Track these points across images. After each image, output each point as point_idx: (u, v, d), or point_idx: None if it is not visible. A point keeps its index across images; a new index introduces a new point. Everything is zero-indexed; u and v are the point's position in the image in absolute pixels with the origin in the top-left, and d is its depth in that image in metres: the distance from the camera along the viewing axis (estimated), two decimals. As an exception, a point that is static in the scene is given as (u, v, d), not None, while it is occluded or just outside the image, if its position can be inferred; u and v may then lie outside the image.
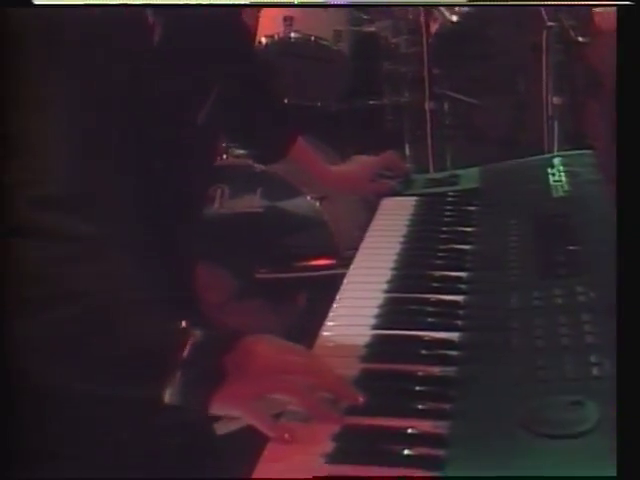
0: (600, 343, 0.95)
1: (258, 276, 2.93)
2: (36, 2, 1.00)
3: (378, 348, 1.03)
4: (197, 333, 0.93)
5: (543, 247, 1.25)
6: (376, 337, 1.05)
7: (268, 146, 1.56)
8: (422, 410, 0.88)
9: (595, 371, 0.91)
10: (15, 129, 0.96)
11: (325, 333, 1.07)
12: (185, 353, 0.91)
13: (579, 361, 0.93)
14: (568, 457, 0.79)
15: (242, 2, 1.20)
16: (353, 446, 0.84)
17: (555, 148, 2.95)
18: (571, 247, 1.21)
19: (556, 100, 3.01)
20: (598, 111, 2.79)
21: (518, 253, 1.25)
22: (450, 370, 0.96)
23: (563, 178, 1.49)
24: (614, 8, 1.13)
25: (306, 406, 0.90)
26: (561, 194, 1.43)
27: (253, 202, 3.06)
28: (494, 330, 1.04)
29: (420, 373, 0.96)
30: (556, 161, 1.58)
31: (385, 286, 1.19)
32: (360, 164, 1.63)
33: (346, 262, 1.45)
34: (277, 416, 0.90)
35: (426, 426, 0.86)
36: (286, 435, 0.87)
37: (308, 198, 2.86)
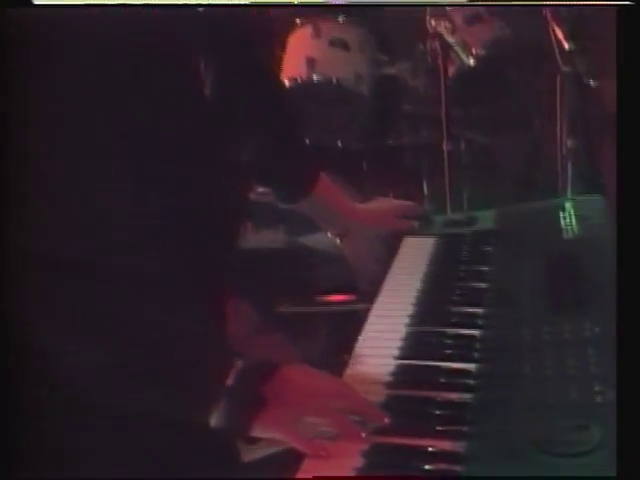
0: (603, 374, 1.04)
1: (279, 310, 3.03)
2: (36, 2, 0.98)
3: (402, 376, 1.13)
4: (239, 362, 1.03)
5: (553, 286, 1.34)
6: (400, 366, 1.15)
7: (292, 184, 1.61)
8: (441, 431, 0.98)
9: (598, 399, 1.01)
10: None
11: (353, 362, 1.18)
12: (229, 381, 1.01)
13: (584, 389, 1.03)
14: (573, 473, 0.89)
15: (242, 2, 1.18)
16: (380, 462, 0.94)
17: (569, 188, 3.03)
18: (579, 286, 1.30)
19: (570, 142, 3.10)
20: (611, 154, 2.88)
21: (530, 291, 1.35)
22: (467, 396, 1.06)
23: (573, 221, 1.59)
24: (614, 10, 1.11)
25: (338, 427, 1.00)
26: (571, 236, 1.53)
27: (276, 238, 3.17)
28: (507, 361, 1.14)
29: (439, 399, 1.06)
30: (567, 205, 1.67)
31: (407, 320, 1.30)
32: (384, 202, 1.73)
33: (365, 298, 1.54)
34: (312, 436, 1.00)
35: (445, 445, 0.96)
36: (322, 452, 0.97)
37: (329, 235, 2.95)
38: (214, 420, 1.00)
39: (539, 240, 1.54)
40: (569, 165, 3.07)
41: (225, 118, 1.29)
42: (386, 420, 1.00)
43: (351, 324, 1.46)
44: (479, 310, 1.31)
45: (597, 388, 1.02)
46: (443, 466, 0.92)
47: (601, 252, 1.43)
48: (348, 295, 2.96)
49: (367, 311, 1.40)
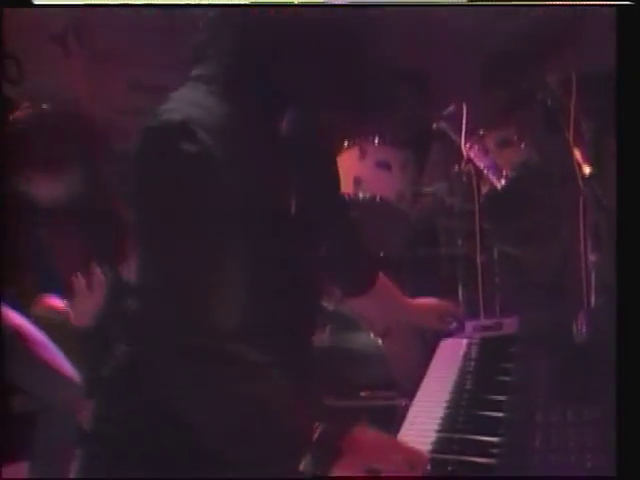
0: (595, 446, 1.37)
1: (326, 403, 3.31)
2: (36, 2, 1.02)
3: (441, 445, 1.46)
4: (322, 424, 1.37)
5: (563, 379, 1.67)
6: (439, 438, 1.49)
7: (358, 281, 2.02)
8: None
9: (589, 465, 1.33)
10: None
11: (404, 432, 1.52)
12: (315, 437, 1.35)
13: (580, 458, 1.35)
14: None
15: (242, 2, 1.27)
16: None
17: (593, 298, 3.32)
18: (582, 381, 1.63)
19: (592, 256, 3.40)
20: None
21: (543, 382, 1.68)
22: (490, 460, 1.39)
23: (584, 328, 1.92)
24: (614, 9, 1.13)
25: (395, 471, 1.33)
26: (580, 340, 1.86)
27: (322, 338, 3.46)
28: (522, 435, 1.47)
29: (469, 460, 1.39)
30: (580, 313, 2.01)
31: (445, 404, 1.63)
32: (428, 300, 2.11)
33: (404, 393, 1.85)
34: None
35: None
36: None
37: (371, 336, 3.25)
38: (303, 465, 1.34)
39: (553, 343, 1.88)
40: (592, 275, 3.36)
41: (301, 229, 1.61)
42: (428, 467, 1.34)
43: (390, 417, 1.78)
44: (502, 397, 1.65)
45: (589, 458, 1.35)
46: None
47: (603, 356, 1.76)
48: (389, 391, 3.23)
49: (406, 405, 1.73)
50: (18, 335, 2.80)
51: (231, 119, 1.46)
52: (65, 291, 2.68)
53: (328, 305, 3.16)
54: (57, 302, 2.84)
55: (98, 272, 2.63)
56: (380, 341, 3.26)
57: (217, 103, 1.47)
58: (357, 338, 3.39)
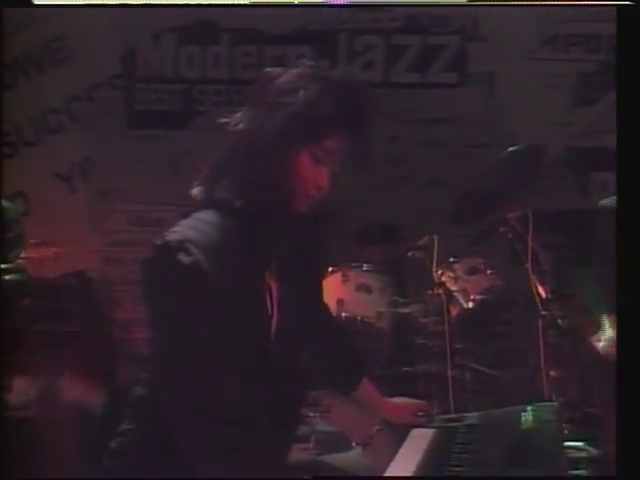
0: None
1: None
2: (36, 2, 1.15)
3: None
4: None
5: (510, 458, 2.05)
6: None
7: (344, 382, 2.44)
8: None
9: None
10: None
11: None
12: None
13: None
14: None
15: (242, 2, 1.38)
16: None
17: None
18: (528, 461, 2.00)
19: (552, 373, 3.71)
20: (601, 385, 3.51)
21: (494, 460, 2.06)
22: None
23: (530, 418, 2.31)
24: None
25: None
26: (526, 427, 2.25)
27: (307, 450, 3.73)
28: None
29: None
30: (528, 408, 2.40)
31: (414, 468, 2.01)
32: (406, 399, 2.53)
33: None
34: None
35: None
36: None
37: (353, 444, 3.54)
38: None
39: (504, 430, 2.27)
40: (553, 392, 3.71)
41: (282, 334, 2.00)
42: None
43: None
44: (461, 469, 2.02)
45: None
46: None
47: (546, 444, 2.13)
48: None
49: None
50: None
51: (224, 241, 1.89)
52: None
53: (314, 414, 3.44)
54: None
55: None
56: (361, 448, 3.52)
57: (212, 229, 1.91)
58: (340, 452, 3.66)
